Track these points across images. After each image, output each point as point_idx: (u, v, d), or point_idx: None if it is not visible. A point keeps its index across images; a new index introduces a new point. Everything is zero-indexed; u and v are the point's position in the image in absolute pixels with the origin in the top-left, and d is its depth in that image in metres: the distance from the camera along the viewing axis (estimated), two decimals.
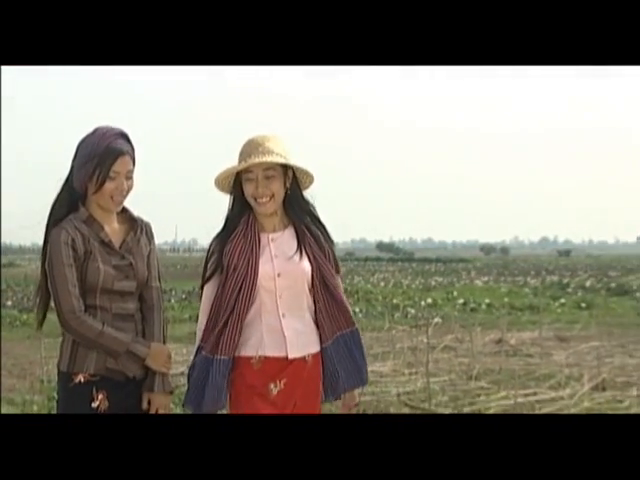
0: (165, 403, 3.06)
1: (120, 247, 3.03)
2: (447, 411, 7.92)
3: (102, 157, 2.90)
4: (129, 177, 2.99)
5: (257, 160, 3.00)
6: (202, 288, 3.18)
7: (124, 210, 3.09)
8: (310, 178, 3.17)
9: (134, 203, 3.14)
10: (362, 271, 52.98)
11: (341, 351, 3.19)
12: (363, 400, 8.44)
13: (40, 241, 3.02)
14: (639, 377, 10.27)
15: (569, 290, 27.33)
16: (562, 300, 23.72)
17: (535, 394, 9.23)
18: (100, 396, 2.94)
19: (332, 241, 3.25)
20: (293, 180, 3.14)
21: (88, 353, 2.94)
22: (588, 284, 29.53)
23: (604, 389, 9.62)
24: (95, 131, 2.96)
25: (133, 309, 3.06)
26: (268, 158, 3.01)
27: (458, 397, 8.46)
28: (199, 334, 3.14)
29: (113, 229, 3.04)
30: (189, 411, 3.14)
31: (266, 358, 3.08)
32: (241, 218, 3.14)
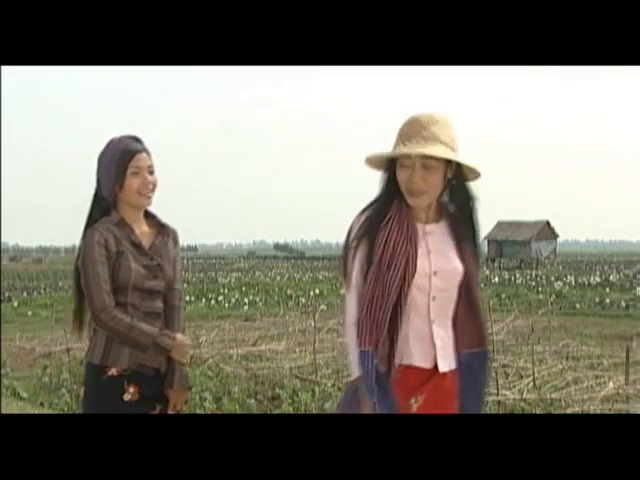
0: (183, 399, 2.81)
1: (149, 249, 2.81)
2: (330, 382, 8.09)
3: (121, 158, 2.70)
4: (151, 172, 2.76)
5: (416, 151, 2.24)
6: (345, 276, 2.38)
7: (152, 216, 2.88)
8: (476, 174, 2.35)
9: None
10: (262, 267, 54.01)
11: (465, 372, 2.38)
12: (260, 373, 8.60)
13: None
14: None
15: None
16: None
17: None
18: (132, 389, 2.69)
19: (479, 244, 2.45)
20: (457, 170, 2.32)
21: (121, 348, 2.69)
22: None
23: None
24: (110, 141, 2.77)
25: (160, 308, 2.81)
26: (429, 150, 2.23)
27: (339, 370, 8.67)
28: (353, 329, 2.36)
29: (143, 232, 2.82)
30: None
31: (408, 368, 2.32)
32: (392, 201, 2.34)
